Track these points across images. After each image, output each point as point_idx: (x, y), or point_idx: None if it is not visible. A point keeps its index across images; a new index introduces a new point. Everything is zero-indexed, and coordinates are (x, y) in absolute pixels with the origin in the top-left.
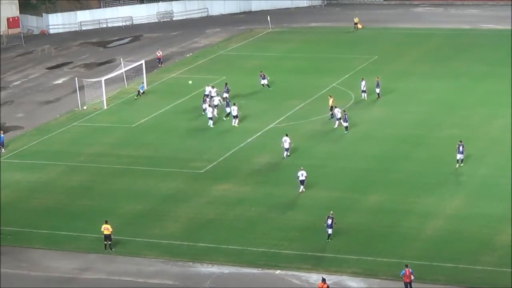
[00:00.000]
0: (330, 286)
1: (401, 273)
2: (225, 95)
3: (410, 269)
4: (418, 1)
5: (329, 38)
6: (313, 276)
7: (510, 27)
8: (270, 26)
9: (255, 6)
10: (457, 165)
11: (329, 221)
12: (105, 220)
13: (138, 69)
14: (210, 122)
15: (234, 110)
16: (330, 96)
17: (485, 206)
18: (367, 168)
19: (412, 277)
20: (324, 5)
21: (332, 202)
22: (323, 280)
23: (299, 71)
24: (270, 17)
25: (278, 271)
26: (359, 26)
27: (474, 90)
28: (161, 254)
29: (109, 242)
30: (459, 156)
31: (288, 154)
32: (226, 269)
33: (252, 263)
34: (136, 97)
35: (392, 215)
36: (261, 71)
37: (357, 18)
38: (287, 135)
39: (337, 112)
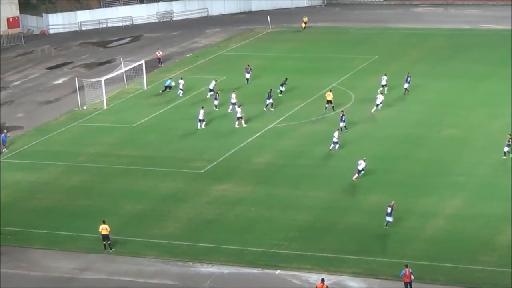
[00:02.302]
0: (330, 286)
1: (401, 273)
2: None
3: (410, 269)
4: (418, 1)
5: (329, 38)
6: (313, 276)
7: (510, 27)
8: (270, 26)
9: (255, 6)
10: (505, 156)
11: (389, 210)
12: (102, 220)
13: (138, 69)
14: (240, 123)
15: (238, 112)
16: (330, 91)
17: (485, 206)
18: (367, 168)
19: (412, 277)
20: (324, 5)
21: (332, 202)
22: (322, 280)
23: (299, 71)
24: (270, 17)
25: (278, 271)
26: (304, 25)
27: (474, 90)
28: (161, 254)
29: (108, 242)
30: (506, 149)
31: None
32: (226, 269)
33: (252, 263)
34: (161, 91)
35: (392, 215)
36: (248, 65)
37: (306, 18)
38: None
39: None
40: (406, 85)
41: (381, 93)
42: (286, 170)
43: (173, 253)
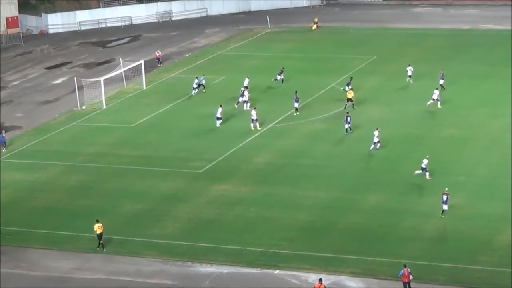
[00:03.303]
0: (328, 286)
1: (400, 273)
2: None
3: (408, 269)
4: (417, 1)
5: (328, 38)
6: (312, 276)
7: (509, 27)
8: (269, 26)
9: (254, 6)
10: None
11: (444, 197)
12: (96, 219)
13: (137, 69)
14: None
15: (253, 115)
16: (351, 89)
17: (485, 206)
18: (367, 168)
19: (411, 277)
20: (323, 5)
21: (332, 202)
22: (320, 280)
23: (298, 71)
24: (269, 17)
25: (277, 271)
26: (315, 26)
27: (474, 90)
28: (160, 254)
29: (101, 241)
30: None
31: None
32: (225, 269)
33: (251, 263)
34: (196, 90)
35: (392, 215)
36: (282, 68)
37: (317, 18)
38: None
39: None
40: (441, 82)
41: (437, 89)
42: (285, 170)
43: (172, 253)
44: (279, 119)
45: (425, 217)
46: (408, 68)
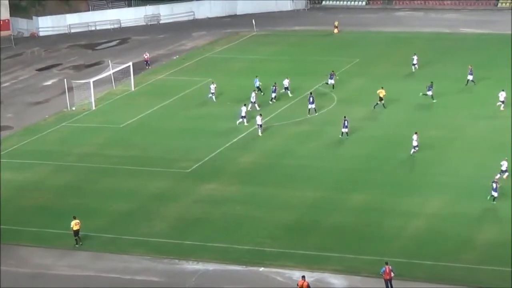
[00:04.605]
0: (312, 283)
1: (381, 271)
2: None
3: (390, 267)
4: (399, 5)
5: (312, 41)
6: (296, 273)
7: (489, 31)
8: (255, 29)
9: (240, 10)
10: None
11: (494, 185)
12: (73, 216)
13: (125, 71)
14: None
15: (258, 120)
16: (382, 88)
17: (466, 205)
18: (351, 168)
19: (392, 274)
20: (307, 9)
21: (317, 202)
22: (303, 277)
23: (283, 73)
24: (254, 21)
25: (262, 268)
26: (336, 30)
27: (457, 92)
28: (148, 251)
29: (76, 237)
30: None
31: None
32: (211, 267)
33: (237, 260)
34: (262, 93)
35: (375, 214)
36: (332, 71)
37: (337, 22)
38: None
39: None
40: (470, 77)
41: (503, 90)
42: (271, 169)
43: (159, 251)
44: (264, 120)
45: (407, 216)
46: (413, 57)
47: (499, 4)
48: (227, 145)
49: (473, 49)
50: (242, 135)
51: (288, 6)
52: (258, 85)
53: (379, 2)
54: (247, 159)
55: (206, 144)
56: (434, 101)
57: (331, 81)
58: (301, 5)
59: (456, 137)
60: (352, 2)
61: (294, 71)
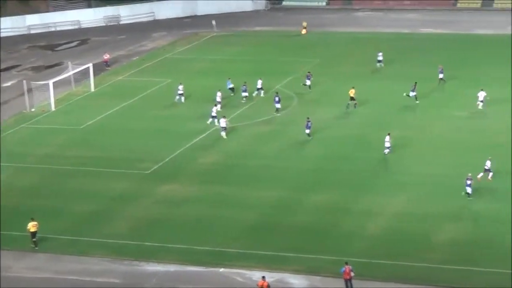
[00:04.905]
0: (272, 283)
1: (341, 270)
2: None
3: (350, 266)
4: (359, 5)
5: (273, 41)
6: (256, 274)
7: (448, 31)
8: (215, 30)
9: (200, 10)
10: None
11: (468, 182)
12: (31, 217)
13: (85, 72)
14: (214, 121)
15: (222, 122)
16: (353, 88)
17: (425, 205)
18: (314, 169)
19: (352, 274)
20: (267, 10)
21: (277, 202)
22: (263, 278)
23: (244, 73)
24: (215, 21)
25: (222, 269)
26: (305, 31)
27: (417, 92)
28: (108, 253)
29: (33, 239)
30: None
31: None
32: (172, 268)
33: (197, 261)
34: (232, 94)
35: (336, 214)
36: (308, 72)
37: (305, 23)
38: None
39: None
40: (441, 75)
41: (482, 90)
42: (232, 170)
43: (120, 252)
44: (225, 120)
45: (368, 216)
46: (378, 54)
47: (458, 4)
48: (188, 145)
49: (435, 49)
50: (203, 135)
51: (248, 7)
52: (231, 87)
53: (339, 3)
54: (208, 159)
55: (167, 144)
56: (417, 102)
57: (308, 82)
58: (261, 5)
59: (416, 136)
60: (312, 3)
61: (256, 72)
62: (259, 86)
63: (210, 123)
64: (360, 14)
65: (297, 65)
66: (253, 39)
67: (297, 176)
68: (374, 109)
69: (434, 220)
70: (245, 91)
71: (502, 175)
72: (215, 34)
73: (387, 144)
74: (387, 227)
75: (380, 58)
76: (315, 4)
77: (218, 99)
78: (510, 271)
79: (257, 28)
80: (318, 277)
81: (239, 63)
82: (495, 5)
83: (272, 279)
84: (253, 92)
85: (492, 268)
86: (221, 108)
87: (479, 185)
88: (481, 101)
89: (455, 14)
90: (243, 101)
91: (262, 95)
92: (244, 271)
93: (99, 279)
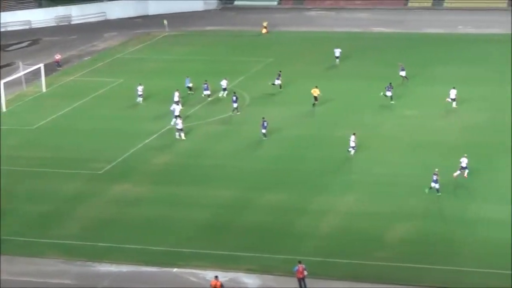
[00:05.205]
0: (225, 283)
1: (294, 269)
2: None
3: (303, 265)
4: (310, 5)
5: (224, 41)
6: (210, 273)
7: (400, 30)
8: (167, 30)
9: (151, 10)
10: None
11: (434, 177)
12: None
13: (36, 72)
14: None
15: (179, 124)
16: (316, 87)
17: (377, 203)
18: (267, 168)
19: (305, 273)
20: (219, 9)
21: (231, 201)
22: (216, 277)
23: (197, 73)
24: (166, 21)
25: (175, 269)
26: (265, 30)
27: (368, 91)
28: (61, 254)
29: None
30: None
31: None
32: (125, 268)
33: (151, 261)
34: (191, 93)
35: (289, 213)
36: (280, 71)
37: (266, 22)
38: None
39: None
40: (403, 73)
41: (454, 88)
42: (185, 170)
43: (73, 253)
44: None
45: (320, 215)
46: (336, 50)
47: (409, 4)
48: (141, 145)
49: (387, 48)
50: (157, 135)
51: (200, 6)
52: (189, 85)
53: (290, 2)
54: (161, 159)
55: (120, 144)
56: (392, 102)
57: (277, 82)
58: (212, 5)
59: (365, 135)
60: (264, 2)
61: (208, 71)
62: (224, 86)
63: (174, 123)
64: (311, 13)
65: (250, 65)
66: (205, 39)
67: (251, 175)
68: (328, 108)
69: (387, 218)
70: (206, 89)
71: (448, 173)
72: (166, 34)
73: (352, 144)
74: (340, 226)
75: (338, 54)
76: (267, 3)
77: (176, 98)
78: (460, 268)
79: (209, 28)
80: (271, 276)
81: (192, 63)
82: (445, 5)
83: (225, 279)
84: (219, 93)
85: (443, 265)
86: (181, 107)
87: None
88: (453, 99)
89: (406, 13)
90: (209, 99)
91: (224, 95)
92: (198, 271)
93: (52, 280)
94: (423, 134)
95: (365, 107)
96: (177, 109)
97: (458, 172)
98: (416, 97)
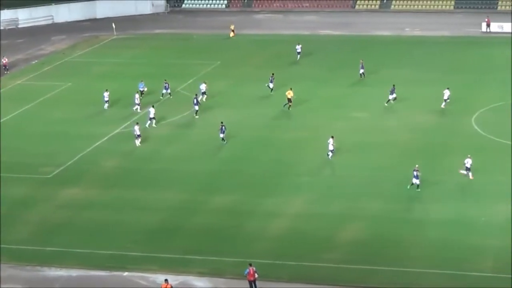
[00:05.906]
0: (176, 286)
1: (245, 272)
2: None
3: (254, 268)
4: (258, 8)
5: (173, 44)
6: (160, 277)
7: (347, 33)
8: (115, 33)
9: (99, 14)
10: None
11: (415, 173)
12: None
13: None
14: (152, 122)
15: (136, 129)
16: (291, 89)
17: (326, 205)
18: (217, 170)
19: (256, 275)
20: (167, 12)
21: (180, 204)
22: (166, 280)
23: (145, 76)
24: (114, 24)
25: (126, 273)
26: (233, 33)
27: (317, 93)
28: (9, 259)
29: None
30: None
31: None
32: (75, 272)
33: (100, 265)
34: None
35: (238, 216)
36: (272, 73)
37: (233, 25)
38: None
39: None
40: (362, 70)
41: (448, 88)
42: (135, 173)
43: (21, 258)
44: (125, 124)
45: (270, 217)
46: (297, 46)
47: (357, 6)
48: (89, 149)
49: (336, 51)
50: (104, 139)
51: (148, 9)
52: (142, 89)
53: (238, 5)
54: (111, 163)
55: (69, 148)
56: (386, 104)
57: (271, 84)
58: (161, 8)
59: (315, 137)
60: (212, 5)
61: (157, 74)
62: (203, 89)
63: (149, 125)
64: (260, 16)
65: (198, 68)
66: (153, 42)
67: (201, 178)
68: (272, 110)
69: (336, 220)
70: (167, 88)
71: (400, 173)
72: (115, 37)
73: (331, 147)
74: (290, 227)
75: (299, 50)
76: (215, 6)
77: (137, 101)
78: (408, 269)
79: (157, 31)
80: (222, 279)
81: (141, 66)
82: (392, 7)
83: (176, 282)
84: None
85: (391, 267)
86: (140, 109)
87: (380, 186)
88: (446, 100)
89: (354, 15)
90: (171, 98)
91: (204, 100)
92: (148, 275)
93: (2, 286)
94: (372, 135)
95: (313, 109)
96: (151, 111)
97: (465, 172)
98: (364, 98)
